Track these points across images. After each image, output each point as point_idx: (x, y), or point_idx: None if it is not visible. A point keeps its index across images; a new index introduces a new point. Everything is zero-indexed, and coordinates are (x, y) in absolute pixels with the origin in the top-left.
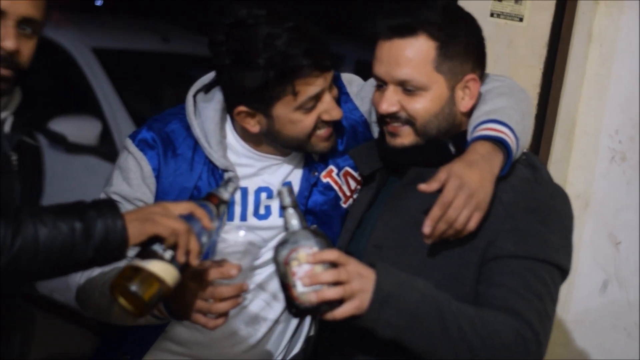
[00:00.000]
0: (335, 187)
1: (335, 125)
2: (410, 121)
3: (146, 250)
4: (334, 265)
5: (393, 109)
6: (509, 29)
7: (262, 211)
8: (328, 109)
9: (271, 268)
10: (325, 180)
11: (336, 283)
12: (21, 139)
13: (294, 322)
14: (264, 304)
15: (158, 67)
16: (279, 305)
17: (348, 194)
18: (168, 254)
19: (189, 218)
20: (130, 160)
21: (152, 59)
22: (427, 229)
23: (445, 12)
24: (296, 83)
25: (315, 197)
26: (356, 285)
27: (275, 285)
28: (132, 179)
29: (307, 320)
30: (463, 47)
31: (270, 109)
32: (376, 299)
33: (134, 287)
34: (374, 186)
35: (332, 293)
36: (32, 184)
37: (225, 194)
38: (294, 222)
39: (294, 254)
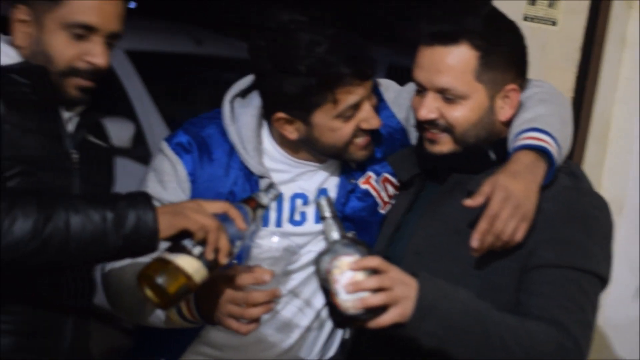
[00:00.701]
0: (374, 194)
1: (373, 132)
2: (448, 129)
3: (176, 244)
4: (375, 272)
5: (432, 115)
6: (543, 32)
7: (297, 217)
8: (367, 117)
9: (304, 274)
10: (364, 186)
11: (379, 290)
12: (85, 139)
13: (328, 327)
14: (297, 310)
15: (191, 69)
16: (312, 311)
17: (386, 199)
18: (197, 250)
19: (224, 219)
20: (165, 163)
21: (184, 61)
22: (475, 242)
23: (489, 20)
24: (337, 91)
25: (353, 203)
26: (399, 292)
27: (309, 290)
28: (167, 182)
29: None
30: (505, 56)
31: (309, 116)
32: (419, 309)
33: (159, 280)
34: (412, 191)
35: (375, 299)
36: (95, 182)
37: (264, 199)
38: (334, 232)
39: (336, 262)
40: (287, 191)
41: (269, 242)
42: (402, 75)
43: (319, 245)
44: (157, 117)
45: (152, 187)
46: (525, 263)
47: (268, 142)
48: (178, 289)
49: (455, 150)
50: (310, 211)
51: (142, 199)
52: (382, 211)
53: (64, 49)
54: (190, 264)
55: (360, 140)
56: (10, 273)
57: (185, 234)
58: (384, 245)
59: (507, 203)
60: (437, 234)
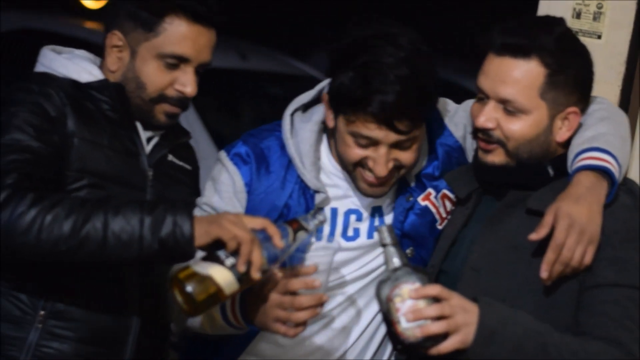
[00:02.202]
0: (433, 210)
1: (431, 150)
2: (502, 141)
3: (211, 254)
4: (436, 300)
5: (489, 125)
6: (587, 46)
7: (350, 233)
8: (376, 161)
9: (357, 286)
10: (423, 203)
11: (440, 317)
12: (164, 159)
13: (379, 337)
14: (346, 322)
15: (236, 84)
16: (364, 321)
17: (444, 216)
18: (229, 261)
19: (265, 237)
20: (223, 173)
21: (230, 76)
22: (544, 274)
23: (562, 40)
24: (357, 117)
25: (412, 220)
26: (460, 319)
27: (362, 301)
28: (224, 192)
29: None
30: (572, 78)
31: (337, 116)
32: (481, 335)
33: (189, 287)
34: (469, 206)
35: (436, 327)
36: (166, 199)
37: (308, 224)
38: (395, 259)
39: (397, 291)
40: (341, 206)
41: (318, 255)
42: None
43: (369, 257)
44: (203, 131)
45: (209, 196)
46: (584, 281)
47: (326, 157)
48: (206, 298)
49: (508, 163)
50: (363, 227)
51: (181, 206)
52: (440, 227)
53: (156, 77)
54: (221, 275)
55: (367, 175)
56: (67, 276)
57: (222, 245)
58: (439, 260)
59: (572, 230)
60: (495, 251)
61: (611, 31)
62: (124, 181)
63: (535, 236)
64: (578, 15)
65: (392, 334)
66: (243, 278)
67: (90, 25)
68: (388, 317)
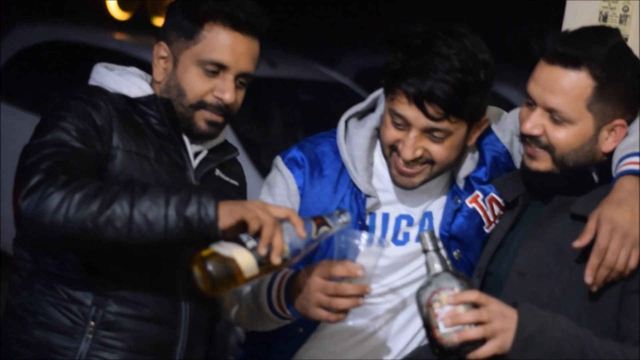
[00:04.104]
0: (481, 213)
1: (480, 155)
2: (549, 147)
3: (234, 238)
4: (475, 305)
5: (536, 131)
6: None
7: (400, 237)
8: (405, 143)
9: (404, 294)
10: (471, 205)
11: (478, 323)
12: (211, 173)
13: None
14: (397, 328)
15: (265, 91)
16: (412, 330)
17: (492, 219)
18: (251, 244)
19: (288, 228)
20: (278, 177)
21: (259, 83)
22: (588, 278)
23: (614, 53)
24: (395, 94)
25: (459, 222)
26: (498, 325)
27: (411, 309)
28: (277, 195)
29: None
30: (620, 91)
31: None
32: (519, 340)
33: (209, 266)
34: (516, 210)
35: (473, 333)
36: None
37: (331, 221)
38: (436, 265)
39: (436, 296)
40: (393, 211)
41: (367, 260)
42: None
43: (418, 263)
44: (233, 138)
45: (264, 199)
46: (625, 286)
47: (379, 163)
48: (225, 278)
49: (553, 169)
50: (414, 232)
51: (206, 189)
52: (487, 230)
53: (196, 84)
54: (242, 256)
55: (398, 161)
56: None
57: (246, 230)
58: (486, 262)
59: (615, 234)
60: (540, 255)
61: (638, 33)
62: None
63: (578, 243)
64: (604, 18)
65: (431, 339)
66: (264, 262)
67: (119, 36)
68: (427, 322)
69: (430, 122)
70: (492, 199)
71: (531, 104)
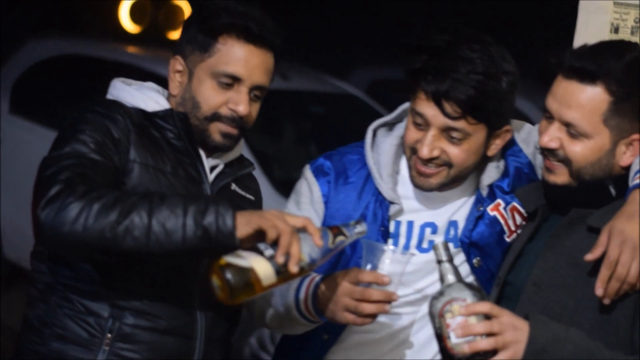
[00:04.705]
0: (502, 221)
1: (505, 167)
2: (566, 161)
3: (252, 246)
4: (488, 317)
5: (553, 144)
6: None
7: (425, 245)
8: (423, 142)
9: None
10: (492, 213)
11: (489, 334)
12: (227, 187)
13: None
14: (423, 339)
15: (278, 104)
16: (435, 346)
17: (513, 228)
18: (268, 252)
19: (305, 236)
20: (304, 185)
21: (271, 96)
22: (599, 291)
23: (630, 67)
24: (416, 92)
25: (480, 229)
26: (509, 337)
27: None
28: (302, 203)
29: None
30: (637, 106)
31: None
32: (530, 352)
33: (228, 274)
34: (536, 220)
35: (484, 344)
36: None
37: (347, 231)
38: (450, 275)
39: (448, 307)
40: (418, 219)
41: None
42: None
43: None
44: (246, 150)
45: (290, 208)
46: (638, 300)
47: (405, 170)
48: (243, 286)
49: (570, 183)
50: (438, 240)
51: (223, 199)
52: (508, 239)
53: (210, 96)
54: (260, 265)
55: (417, 162)
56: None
57: (264, 239)
58: (505, 272)
59: (625, 246)
60: (556, 267)
61: None
62: None
63: (590, 256)
64: (616, 29)
65: (443, 349)
66: (281, 271)
67: (132, 49)
68: (439, 332)
69: (447, 120)
70: (514, 208)
71: (549, 117)
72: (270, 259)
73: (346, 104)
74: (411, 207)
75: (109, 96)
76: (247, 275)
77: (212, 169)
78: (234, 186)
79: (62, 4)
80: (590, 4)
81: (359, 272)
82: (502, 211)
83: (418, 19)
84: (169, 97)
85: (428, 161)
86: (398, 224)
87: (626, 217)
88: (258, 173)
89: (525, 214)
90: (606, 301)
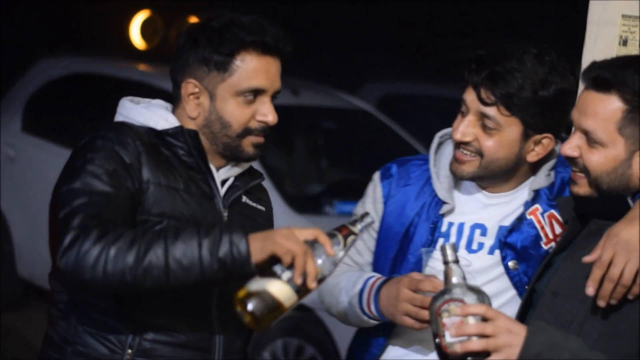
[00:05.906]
0: (537, 226)
1: (562, 177)
2: (585, 170)
3: (268, 270)
4: (485, 319)
5: (574, 153)
6: None
7: (474, 246)
8: (460, 125)
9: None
10: (529, 217)
11: (483, 336)
12: (239, 200)
13: None
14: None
15: (289, 119)
16: None
17: (550, 236)
18: (286, 275)
19: (318, 246)
20: (370, 186)
21: (282, 111)
22: (589, 290)
23: None
24: (465, 85)
25: (517, 231)
26: (502, 341)
27: None
28: (367, 203)
29: None
30: None
31: None
32: (524, 358)
33: (250, 305)
34: (566, 230)
35: (476, 345)
36: None
37: (355, 228)
38: (453, 276)
39: (446, 306)
40: (468, 221)
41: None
42: None
43: (489, 276)
44: (258, 166)
45: (358, 208)
46: None
47: None
48: (268, 313)
49: (591, 194)
50: (488, 243)
51: (236, 227)
52: (545, 247)
53: (238, 114)
54: (279, 289)
55: (455, 150)
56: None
57: (278, 260)
58: (534, 280)
59: (619, 247)
60: (573, 276)
61: None
62: (203, 224)
63: (587, 258)
64: (625, 42)
65: (438, 347)
66: (301, 289)
67: (143, 67)
68: (435, 330)
69: (481, 106)
70: (552, 216)
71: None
72: (289, 281)
73: (357, 119)
74: (463, 209)
75: (118, 116)
76: (269, 302)
77: (223, 182)
78: (244, 198)
79: (74, 23)
80: (598, 16)
81: (419, 281)
82: (539, 216)
83: (428, 31)
84: (175, 114)
85: (463, 146)
86: (450, 225)
87: (626, 221)
88: (270, 188)
89: (564, 224)
90: (601, 303)
